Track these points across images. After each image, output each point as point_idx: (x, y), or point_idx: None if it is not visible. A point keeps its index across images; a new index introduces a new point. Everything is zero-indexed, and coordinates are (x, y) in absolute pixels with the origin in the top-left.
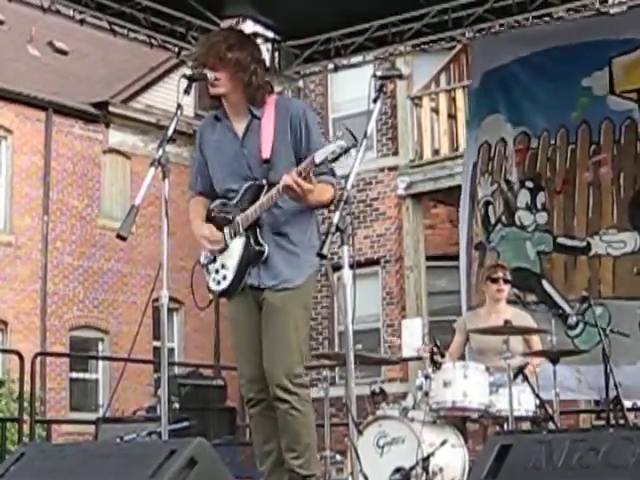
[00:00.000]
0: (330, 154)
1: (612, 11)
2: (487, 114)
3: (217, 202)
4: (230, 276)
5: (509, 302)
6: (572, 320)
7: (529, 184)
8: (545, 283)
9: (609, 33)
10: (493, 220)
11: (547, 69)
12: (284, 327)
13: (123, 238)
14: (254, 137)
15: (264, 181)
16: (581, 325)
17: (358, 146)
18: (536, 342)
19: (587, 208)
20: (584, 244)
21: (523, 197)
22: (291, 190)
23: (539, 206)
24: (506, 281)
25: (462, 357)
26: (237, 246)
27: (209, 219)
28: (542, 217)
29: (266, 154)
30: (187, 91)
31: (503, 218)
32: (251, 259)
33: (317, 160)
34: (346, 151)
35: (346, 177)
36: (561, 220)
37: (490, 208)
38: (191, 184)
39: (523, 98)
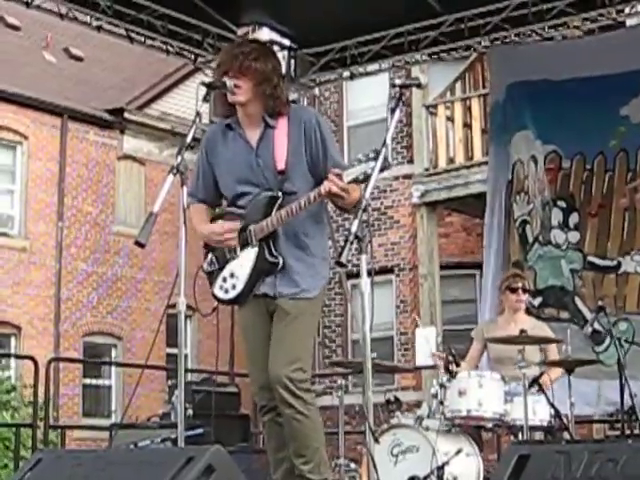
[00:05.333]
0: (360, 175)
1: (628, 21)
2: (516, 130)
3: (226, 211)
4: (240, 286)
5: (529, 313)
6: (588, 330)
7: (561, 203)
8: (577, 300)
9: None
10: (531, 239)
11: (584, 97)
12: (293, 333)
13: (142, 245)
14: (268, 147)
15: (279, 192)
16: (607, 342)
17: (378, 154)
18: (553, 353)
19: (622, 231)
20: (615, 263)
21: (555, 216)
22: (336, 196)
23: (571, 225)
24: (525, 290)
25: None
26: (249, 256)
27: None
28: (574, 236)
29: (281, 165)
30: (206, 99)
31: (540, 237)
32: (264, 270)
33: (346, 180)
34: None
35: (365, 185)
36: (594, 241)
37: (528, 227)
38: (192, 191)
39: (553, 117)
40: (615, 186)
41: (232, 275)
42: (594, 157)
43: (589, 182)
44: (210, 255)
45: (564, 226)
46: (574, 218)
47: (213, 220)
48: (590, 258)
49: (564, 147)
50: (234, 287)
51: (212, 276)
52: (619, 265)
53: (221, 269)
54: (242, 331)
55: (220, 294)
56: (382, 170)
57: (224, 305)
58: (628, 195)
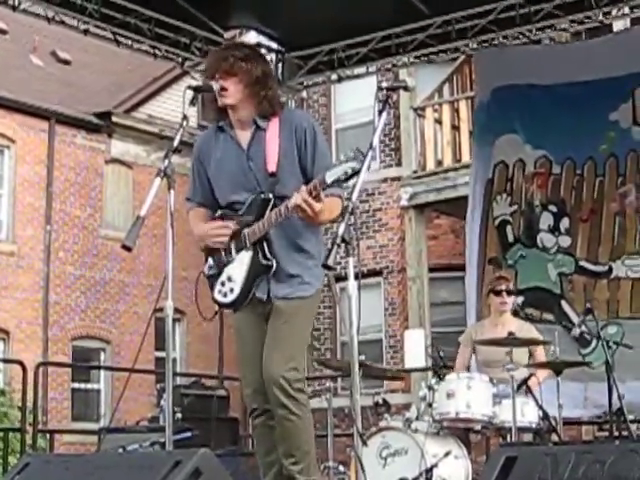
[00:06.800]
0: (342, 175)
1: (615, 24)
2: (502, 133)
3: (220, 214)
4: (237, 289)
5: (515, 314)
6: (576, 332)
7: (552, 208)
8: (564, 304)
9: (633, 67)
10: (511, 239)
11: (573, 100)
12: (288, 333)
13: (128, 249)
14: (259, 149)
15: (270, 195)
16: (593, 344)
17: (364, 158)
18: (540, 354)
19: (613, 236)
20: (606, 268)
21: (545, 220)
22: (301, 210)
23: (562, 230)
24: (509, 292)
25: (466, 369)
26: (244, 259)
27: None
28: (565, 240)
29: (272, 168)
30: (193, 102)
31: (523, 238)
32: (258, 273)
33: (328, 181)
34: (357, 172)
35: (352, 188)
36: (585, 245)
37: (508, 227)
38: (190, 195)
39: (543, 122)
40: (606, 191)
41: (230, 279)
42: (584, 162)
43: (580, 187)
44: (210, 259)
45: (555, 230)
46: (565, 223)
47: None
48: (582, 263)
49: (554, 152)
50: (232, 291)
51: (212, 280)
52: (610, 270)
53: (220, 273)
54: (236, 333)
55: (219, 298)
56: (361, 170)
57: (224, 309)
58: (618, 200)
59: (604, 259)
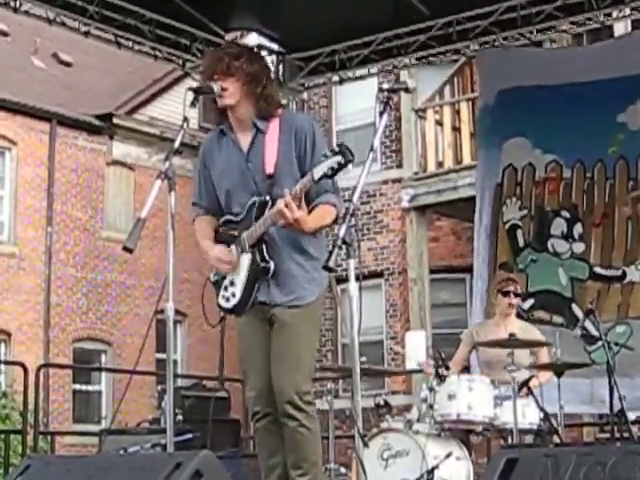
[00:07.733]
0: (328, 170)
1: (616, 25)
2: (509, 136)
3: (223, 220)
4: (238, 293)
5: (519, 317)
6: (577, 332)
7: (565, 214)
8: (575, 307)
9: (637, 69)
10: (522, 244)
11: (580, 102)
12: (295, 344)
13: (130, 250)
14: (258, 151)
15: (267, 197)
16: (600, 342)
17: (350, 152)
18: (544, 355)
19: (626, 241)
20: (619, 273)
21: (558, 226)
22: (282, 216)
23: (576, 236)
24: (516, 295)
25: (466, 369)
26: (244, 263)
27: (216, 237)
28: (579, 247)
29: (269, 169)
30: (193, 104)
31: (534, 243)
32: (257, 276)
33: (316, 177)
34: (343, 166)
35: (352, 190)
36: (598, 251)
37: (519, 232)
38: (196, 199)
39: (552, 126)
40: (617, 194)
41: (232, 283)
42: (594, 165)
43: (591, 191)
44: None
45: (569, 236)
46: (578, 229)
47: (216, 231)
48: (596, 269)
49: (564, 155)
50: (234, 295)
51: (217, 286)
52: (624, 275)
53: (224, 278)
54: (238, 336)
55: (222, 303)
56: (347, 164)
57: (228, 314)
58: (630, 204)
59: (617, 263)
